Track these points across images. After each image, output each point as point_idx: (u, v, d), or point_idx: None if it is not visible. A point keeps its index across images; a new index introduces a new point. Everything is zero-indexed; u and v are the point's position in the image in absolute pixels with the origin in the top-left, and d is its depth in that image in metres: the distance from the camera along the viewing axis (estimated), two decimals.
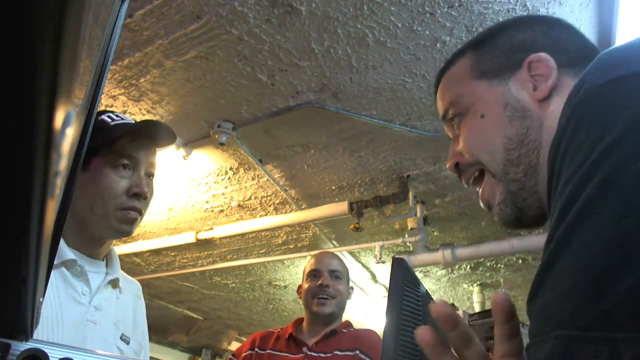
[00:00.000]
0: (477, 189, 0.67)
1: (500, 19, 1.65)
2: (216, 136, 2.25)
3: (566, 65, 0.59)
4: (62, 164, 0.29)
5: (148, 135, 0.95)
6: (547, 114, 0.58)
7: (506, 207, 0.62)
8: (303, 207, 2.98)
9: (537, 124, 0.58)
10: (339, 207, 2.70)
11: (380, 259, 2.98)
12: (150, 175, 0.97)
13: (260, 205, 3.03)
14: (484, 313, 1.57)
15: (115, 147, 0.90)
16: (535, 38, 0.62)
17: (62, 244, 0.87)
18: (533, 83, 0.59)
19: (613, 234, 0.33)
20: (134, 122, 0.96)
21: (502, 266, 3.52)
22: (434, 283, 3.91)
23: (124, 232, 0.92)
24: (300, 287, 1.87)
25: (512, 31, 0.64)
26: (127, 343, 0.95)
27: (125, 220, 0.91)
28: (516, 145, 0.59)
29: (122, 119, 0.96)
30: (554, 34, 0.63)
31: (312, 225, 3.19)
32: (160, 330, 5.36)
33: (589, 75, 0.42)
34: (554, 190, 0.42)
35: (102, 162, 0.90)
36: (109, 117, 0.95)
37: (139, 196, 0.92)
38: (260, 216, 3.11)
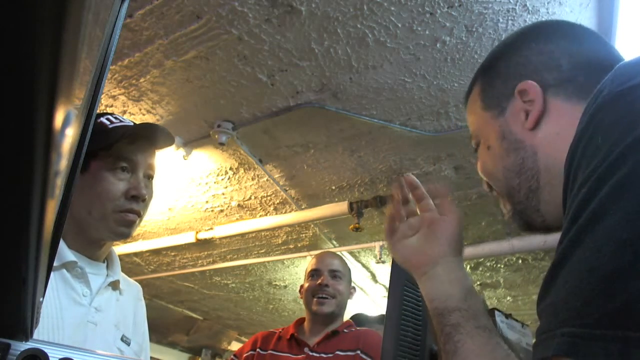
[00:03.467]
0: None
1: (500, 19, 1.65)
2: (216, 136, 2.25)
3: (556, 85, 0.59)
4: (62, 164, 0.29)
5: (146, 137, 0.95)
6: (539, 142, 0.59)
7: (515, 220, 0.66)
8: (303, 207, 2.98)
9: (531, 153, 0.60)
10: (339, 207, 2.70)
11: (380, 259, 2.98)
12: (149, 177, 0.97)
13: (260, 205, 3.03)
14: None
15: (113, 150, 0.90)
16: (529, 58, 0.63)
17: (63, 245, 0.87)
18: (526, 110, 0.61)
19: (626, 234, 0.33)
20: (132, 124, 0.96)
21: (502, 266, 3.51)
22: None
23: (122, 234, 0.92)
24: (302, 287, 1.87)
25: (510, 54, 0.66)
26: (128, 344, 0.95)
27: (123, 222, 0.91)
28: (514, 174, 0.62)
29: (120, 121, 0.96)
30: (548, 48, 0.62)
31: (312, 225, 3.19)
32: (160, 330, 5.36)
33: (607, 83, 0.43)
34: (569, 194, 0.42)
35: (100, 165, 0.90)
36: (107, 119, 0.94)
37: (137, 198, 0.92)
38: (260, 216, 3.11)
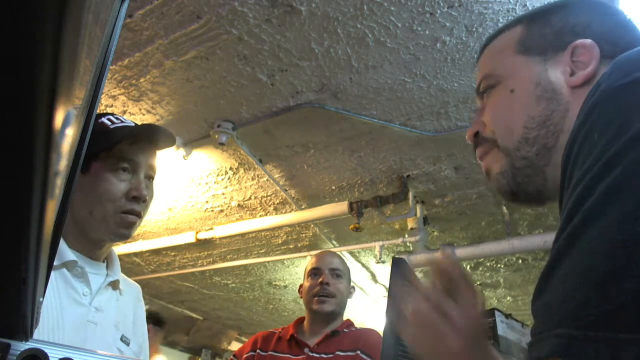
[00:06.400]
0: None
1: (500, 19, 1.65)
2: (216, 136, 2.25)
3: (611, 57, 0.57)
4: (62, 164, 0.29)
5: (147, 138, 0.95)
6: (577, 102, 0.57)
7: (504, 178, 0.62)
8: (303, 207, 2.98)
9: (563, 109, 0.57)
10: (339, 207, 2.70)
11: (380, 259, 2.98)
12: (150, 177, 0.97)
13: (260, 205, 3.03)
14: (484, 313, 1.57)
15: (115, 150, 0.90)
16: (590, 23, 0.61)
17: (64, 245, 0.88)
18: (572, 68, 0.59)
19: (620, 235, 0.33)
20: (134, 124, 0.96)
21: (502, 266, 3.51)
22: None
23: (123, 235, 0.92)
24: (301, 286, 1.87)
25: (569, 11, 0.63)
26: (127, 344, 0.95)
27: (124, 224, 0.91)
28: (536, 125, 0.58)
29: (121, 121, 0.96)
30: (609, 23, 0.61)
31: (312, 225, 3.19)
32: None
33: (606, 76, 0.42)
34: (565, 190, 0.42)
35: (101, 166, 0.90)
36: (108, 119, 0.94)
37: (138, 199, 0.92)
38: (260, 216, 3.11)
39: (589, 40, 0.58)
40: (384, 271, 3.62)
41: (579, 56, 0.58)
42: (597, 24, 0.61)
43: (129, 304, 1.02)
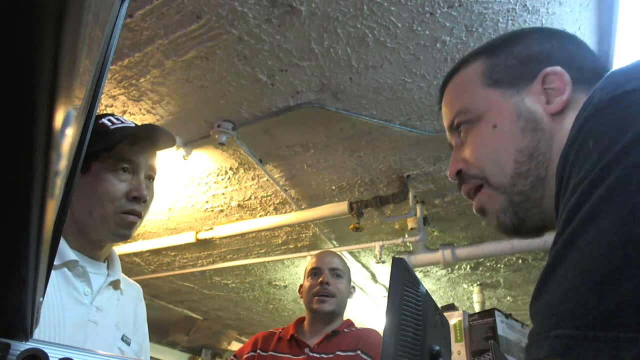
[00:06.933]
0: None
1: (500, 19, 1.65)
2: (216, 136, 2.25)
3: (579, 82, 0.58)
4: (62, 164, 0.29)
5: (147, 138, 0.95)
6: (559, 129, 0.57)
7: (505, 215, 0.61)
8: (303, 207, 2.98)
9: (548, 137, 0.57)
10: (339, 207, 2.70)
11: (380, 259, 2.98)
12: (150, 178, 0.97)
13: (260, 205, 3.03)
14: (484, 313, 1.57)
15: (115, 151, 0.90)
16: (551, 51, 0.61)
17: (64, 244, 0.88)
18: (546, 96, 0.59)
19: (617, 236, 0.34)
20: (134, 125, 0.96)
21: (502, 266, 3.51)
22: (434, 283, 3.91)
23: (123, 235, 0.92)
24: (301, 286, 1.87)
25: (529, 41, 0.63)
26: (128, 344, 0.95)
27: (124, 224, 0.91)
28: (526, 158, 0.58)
29: (122, 122, 0.96)
30: (569, 49, 0.62)
31: (312, 225, 3.19)
32: (160, 330, 5.36)
33: (599, 90, 0.43)
34: (562, 198, 0.42)
35: (101, 167, 0.90)
36: (109, 120, 0.95)
37: (139, 200, 0.92)
38: (260, 216, 3.11)
39: (558, 67, 0.59)
40: (384, 271, 3.62)
41: (551, 83, 0.59)
42: (558, 51, 0.61)
43: (129, 304, 1.02)
